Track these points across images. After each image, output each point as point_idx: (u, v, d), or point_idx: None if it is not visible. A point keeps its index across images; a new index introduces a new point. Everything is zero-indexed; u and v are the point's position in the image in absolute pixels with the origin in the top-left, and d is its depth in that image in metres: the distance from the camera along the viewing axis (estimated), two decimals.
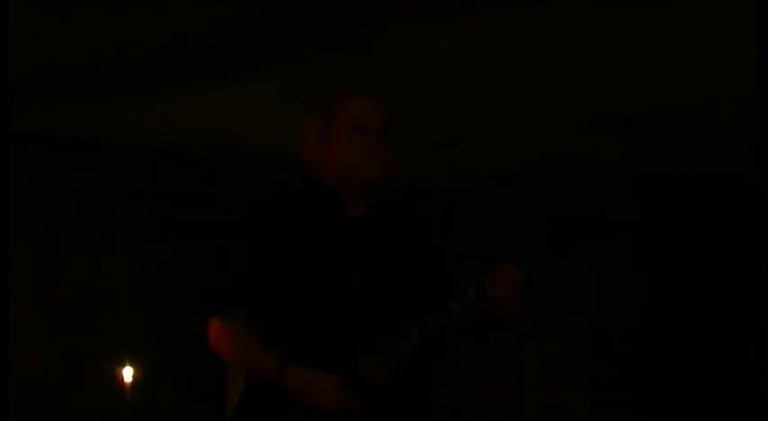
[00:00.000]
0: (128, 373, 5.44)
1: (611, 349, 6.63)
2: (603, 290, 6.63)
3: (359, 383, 2.80)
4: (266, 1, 4.26)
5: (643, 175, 6.53)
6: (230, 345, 2.87)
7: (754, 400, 5.20)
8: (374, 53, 4.64)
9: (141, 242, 6.17)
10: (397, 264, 2.93)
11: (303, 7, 4.27)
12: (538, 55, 4.69)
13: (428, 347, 2.92)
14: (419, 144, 5.78)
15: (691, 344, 6.70)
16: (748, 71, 3.79)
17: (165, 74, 5.02)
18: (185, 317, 6.07)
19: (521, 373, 6.66)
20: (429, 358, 2.96)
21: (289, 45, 4.67)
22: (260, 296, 2.88)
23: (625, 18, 4.29)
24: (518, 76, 4.98)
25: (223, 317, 2.89)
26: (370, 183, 2.93)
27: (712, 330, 6.68)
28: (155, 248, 6.20)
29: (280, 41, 4.64)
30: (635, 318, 6.71)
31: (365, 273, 2.90)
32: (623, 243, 6.40)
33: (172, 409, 6.09)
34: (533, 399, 6.62)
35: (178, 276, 6.15)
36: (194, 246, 6.22)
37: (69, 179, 5.92)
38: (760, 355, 3.59)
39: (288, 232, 2.91)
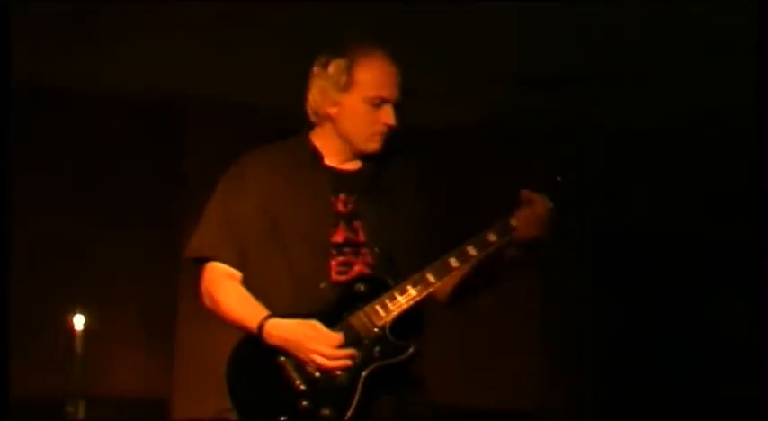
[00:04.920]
0: (78, 321, 5.35)
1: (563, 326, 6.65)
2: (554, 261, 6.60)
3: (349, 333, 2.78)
4: None
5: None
6: (219, 302, 2.89)
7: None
8: None
9: (98, 187, 6.11)
10: (386, 218, 2.92)
11: None
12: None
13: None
14: None
15: (645, 313, 6.74)
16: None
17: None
18: (140, 266, 6.11)
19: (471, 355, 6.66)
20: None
21: None
22: (246, 248, 2.90)
23: None
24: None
25: (212, 270, 2.92)
26: (370, 154, 2.94)
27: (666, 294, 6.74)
28: (112, 194, 6.15)
29: None
30: (586, 287, 6.72)
31: (353, 229, 2.90)
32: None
33: (123, 359, 6.06)
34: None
35: (135, 223, 6.11)
36: (151, 194, 6.19)
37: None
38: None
39: (273, 189, 2.92)
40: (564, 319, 6.60)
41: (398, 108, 2.91)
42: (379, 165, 2.96)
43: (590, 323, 6.65)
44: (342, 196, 2.92)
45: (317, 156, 2.95)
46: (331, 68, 2.89)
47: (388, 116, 2.88)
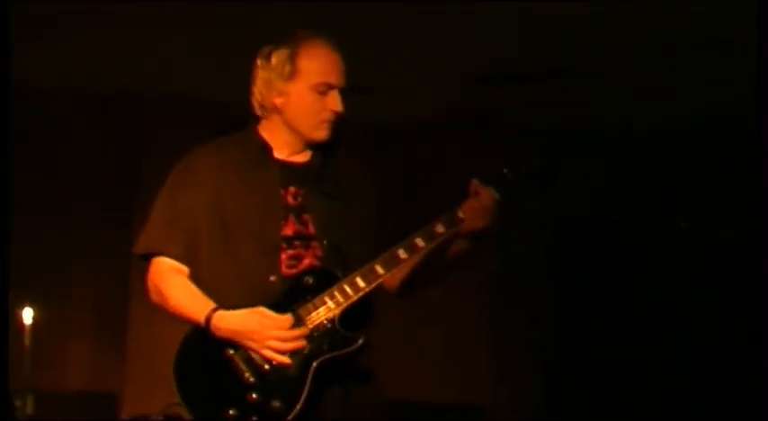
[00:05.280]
0: (27, 315, 5.30)
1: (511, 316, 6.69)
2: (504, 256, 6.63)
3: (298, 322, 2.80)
4: None
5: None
6: (166, 296, 2.89)
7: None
8: None
9: (53, 180, 6.10)
10: (335, 210, 2.93)
11: None
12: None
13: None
14: None
15: (593, 304, 6.79)
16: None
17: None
18: (91, 260, 6.08)
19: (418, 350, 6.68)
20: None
21: None
22: (195, 243, 2.90)
23: None
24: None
25: (159, 265, 2.91)
26: (319, 142, 2.95)
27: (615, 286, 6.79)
28: (66, 187, 6.13)
29: None
30: (537, 283, 6.76)
31: (302, 221, 2.90)
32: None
33: (72, 354, 6.02)
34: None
35: (89, 217, 6.07)
36: (107, 189, 6.20)
37: None
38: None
39: (222, 183, 2.92)
40: (514, 313, 6.64)
41: (344, 96, 2.91)
42: (328, 156, 2.97)
43: (542, 317, 6.69)
44: (291, 189, 2.92)
45: (265, 149, 2.95)
46: (274, 59, 2.90)
47: (335, 102, 2.89)
